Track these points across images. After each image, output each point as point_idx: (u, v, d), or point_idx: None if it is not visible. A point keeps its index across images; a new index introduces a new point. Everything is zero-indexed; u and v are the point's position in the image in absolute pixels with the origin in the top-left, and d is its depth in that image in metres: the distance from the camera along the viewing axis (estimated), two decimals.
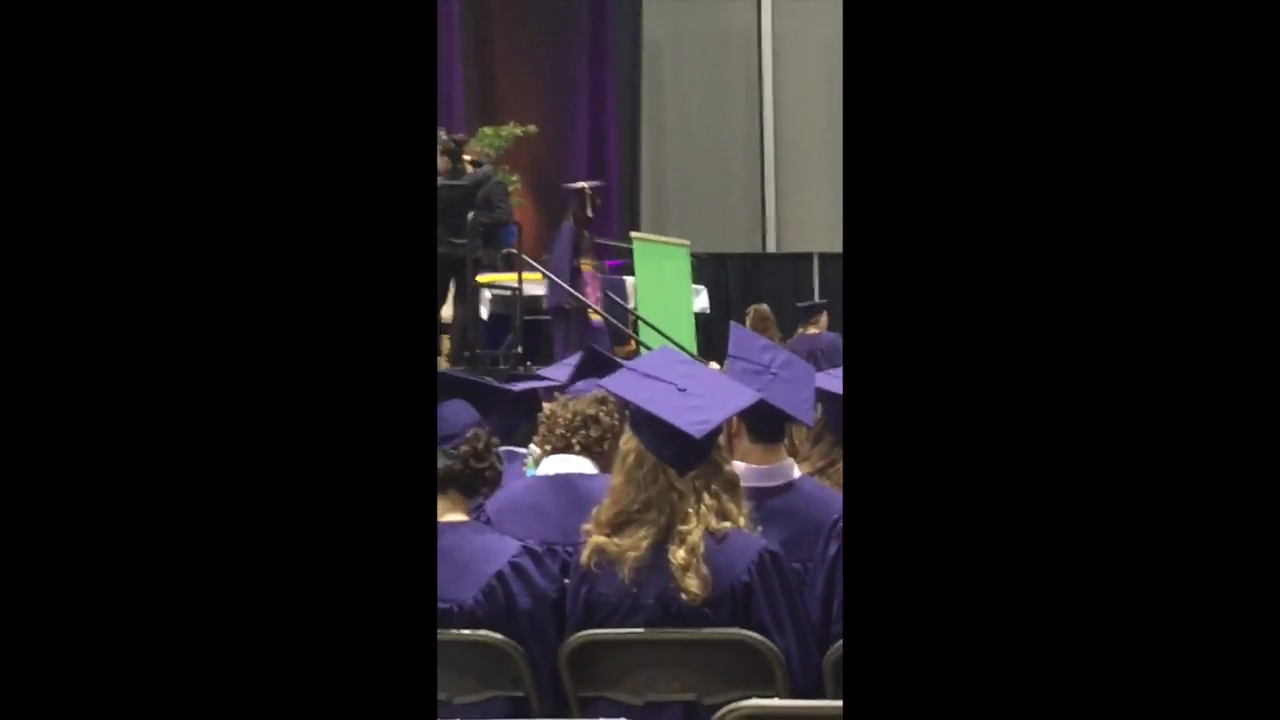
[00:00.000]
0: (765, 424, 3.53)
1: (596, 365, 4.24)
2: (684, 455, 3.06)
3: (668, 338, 11.32)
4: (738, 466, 3.68)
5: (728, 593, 3.03)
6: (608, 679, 3.10)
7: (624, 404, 3.16)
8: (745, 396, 3.18)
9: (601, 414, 3.71)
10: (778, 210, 15.46)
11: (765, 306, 11.09)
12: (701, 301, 12.72)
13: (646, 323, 11.25)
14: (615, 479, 3.15)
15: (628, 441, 3.14)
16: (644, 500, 3.08)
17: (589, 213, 11.30)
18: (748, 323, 10.40)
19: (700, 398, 3.10)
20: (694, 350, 12.05)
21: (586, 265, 10.92)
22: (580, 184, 11.35)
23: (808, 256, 15.06)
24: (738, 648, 3.02)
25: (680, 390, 3.11)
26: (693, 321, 12.23)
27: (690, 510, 3.06)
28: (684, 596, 3.01)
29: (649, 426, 3.08)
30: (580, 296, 9.99)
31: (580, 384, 4.17)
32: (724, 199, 15.34)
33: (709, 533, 3.05)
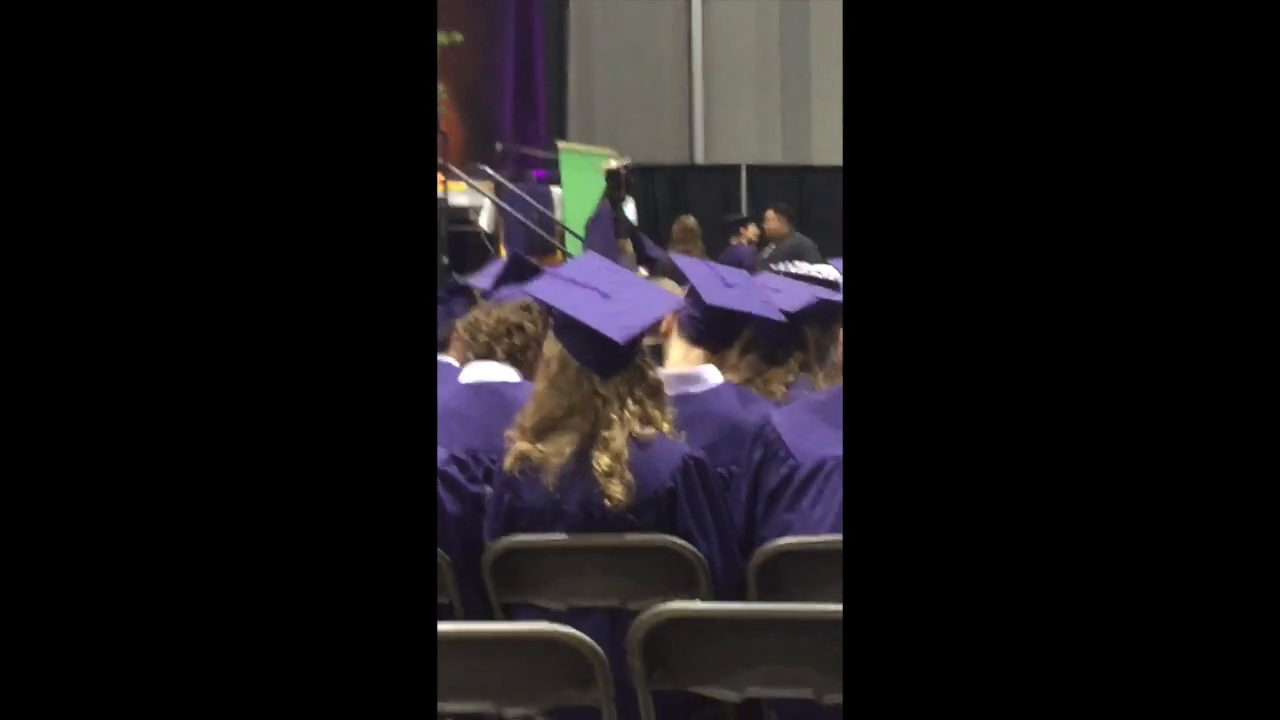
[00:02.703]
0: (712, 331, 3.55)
1: (520, 272, 4.20)
2: (607, 360, 3.04)
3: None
4: (659, 371, 3.68)
5: (651, 499, 3.02)
6: (531, 585, 3.09)
7: (547, 310, 3.14)
8: (669, 302, 3.17)
9: (525, 322, 3.69)
10: (706, 121, 15.39)
11: (691, 219, 11.05)
12: (629, 212, 12.68)
13: (573, 233, 11.21)
14: (539, 385, 3.12)
15: (551, 347, 3.11)
16: (567, 406, 3.06)
17: (624, 192, 11.22)
18: (673, 234, 10.36)
19: (624, 303, 3.07)
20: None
21: (626, 247, 10.82)
22: (614, 164, 11.29)
23: (735, 168, 15.02)
24: (661, 553, 3.02)
25: (604, 296, 3.08)
26: None
27: (614, 416, 3.04)
28: (608, 503, 2.99)
29: (572, 331, 3.05)
30: None
31: (504, 291, 4.14)
32: (652, 109, 15.23)
33: (633, 439, 3.03)
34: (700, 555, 3.01)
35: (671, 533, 3.03)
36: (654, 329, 3.33)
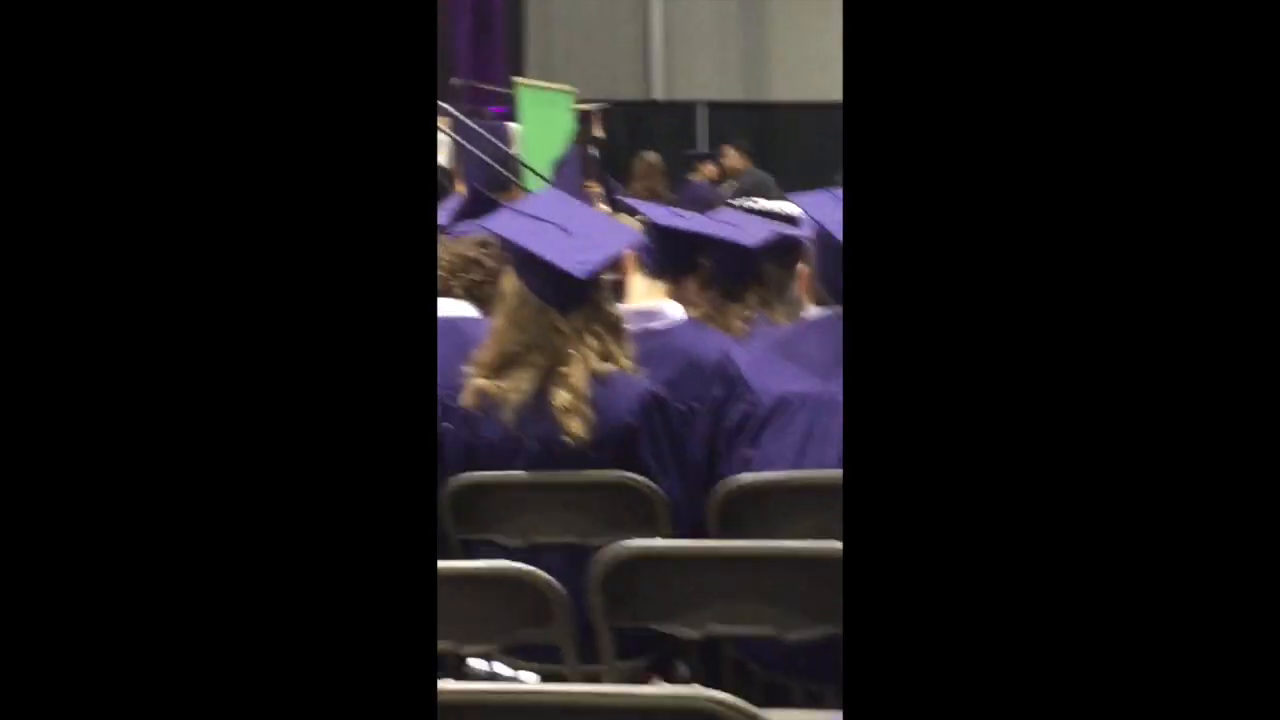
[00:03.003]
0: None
1: (478, 207, 4.15)
2: (566, 295, 3.01)
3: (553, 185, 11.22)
4: (619, 307, 3.66)
5: (611, 435, 3.00)
6: (489, 522, 3.07)
7: (506, 245, 3.10)
8: (629, 236, 3.13)
9: (483, 257, 3.64)
10: (664, 57, 15.26)
11: (654, 155, 10.89)
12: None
13: (531, 169, 11.12)
14: (497, 321, 3.09)
15: (510, 282, 3.08)
16: (526, 341, 3.03)
17: (598, 133, 11.06)
18: (636, 171, 10.26)
19: (584, 238, 3.04)
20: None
21: (592, 188, 10.74)
22: (588, 105, 11.18)
23: (694, 104, 14.90)
24: (621, 490, 3.00)
25: (564, 231, 3.04)
26: None
27: (573, 352, 3.01)
28: (567, 439, 2.97)
29: (531, 267, 3.02)
30: None
31: (462, 226, 4.10)
32: (610, 45, 15.10)
33: (592, 374, 3.01)
34: (660, 491, 3.00)
35: (631, 469, 3.01)
36: (615, 264, 3.29)
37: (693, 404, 3.58)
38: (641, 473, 3.01)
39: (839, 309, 3.11)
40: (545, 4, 15.02)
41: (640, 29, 15.24)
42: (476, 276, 3.81)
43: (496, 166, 10.94)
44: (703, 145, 14.00)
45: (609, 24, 15.11)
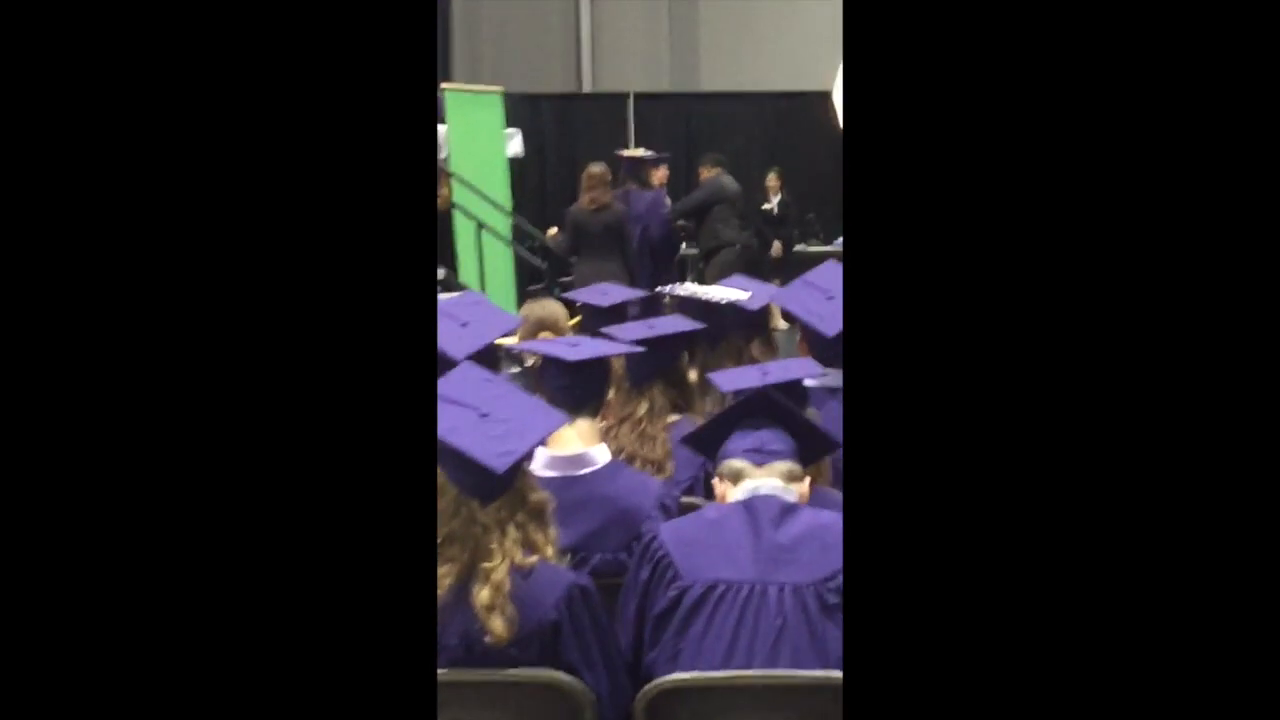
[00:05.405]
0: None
1: None
2: (487, 486, 2.88)
3: (479, 192, 11.04)
4: (543, 457, 3.54)
5: (535, 630, 2.88)
6: None
7: None
8: (552, 420, 3.00)
9: None
10: (594, 46, 15.02)
11: (600, 165, 10.43)
12: (515, 146, 12.40)
13: (458, 178, 10.94)
14: None
15: None
16: (446, 535, 2.90)
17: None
18: (583, 183, 10.01)
19: (503, 423, 2.91)
20: (507, 201, 11.79)
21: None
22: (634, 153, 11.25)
23: (623, 96, 14.69)
24: (546, 687, 2.89)
25: (482, 415, 2.91)
26: (506, 171, 11.94)
27: (494, 545, 2.88)
28: (488, 639, 2.85)
29: (449, 456, 2.89)
30: None
31: None
32: (539, 35, 14.85)
33: (514, 568, 2.88)
34: (586, 689, 2.89)
35: (556, 665, 2.90)
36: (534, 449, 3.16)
37: (621, 555, 3.49)
38: (566, 668, 2.90)
39: (763, 483, 3.04)
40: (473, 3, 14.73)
41: (571, 20, 15.01)
42: None
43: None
44: (631, 135, 13.86)
45: (539, 16, 14.86)
